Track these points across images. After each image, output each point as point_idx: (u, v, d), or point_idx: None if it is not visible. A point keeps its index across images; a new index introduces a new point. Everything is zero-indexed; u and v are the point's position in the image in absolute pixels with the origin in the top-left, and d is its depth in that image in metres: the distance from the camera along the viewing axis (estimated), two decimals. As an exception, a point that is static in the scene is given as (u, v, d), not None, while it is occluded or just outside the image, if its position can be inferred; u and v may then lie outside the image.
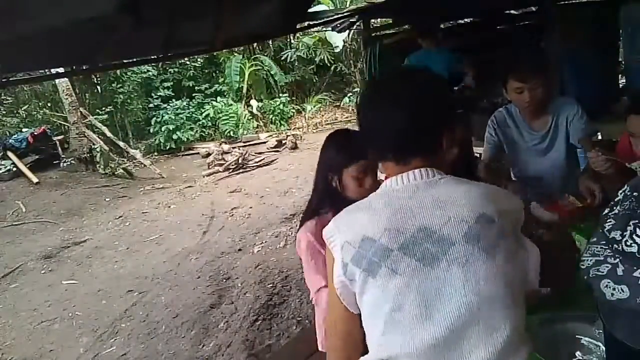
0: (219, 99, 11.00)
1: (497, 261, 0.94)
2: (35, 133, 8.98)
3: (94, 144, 8.93)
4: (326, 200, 1.70)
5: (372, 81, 1.05)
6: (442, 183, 1.00)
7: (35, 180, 8.00)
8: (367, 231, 0.97)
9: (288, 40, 11.43)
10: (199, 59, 11.27)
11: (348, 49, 11.05)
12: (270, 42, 11.20)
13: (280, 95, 11.36)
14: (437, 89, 1.05)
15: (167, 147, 10.29)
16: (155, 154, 10.27)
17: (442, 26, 5.39)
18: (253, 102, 10.98)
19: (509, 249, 0.96)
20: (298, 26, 4.63)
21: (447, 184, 1.00)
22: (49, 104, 10.35)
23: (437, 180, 1.00)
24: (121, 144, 9.37)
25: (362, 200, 1.05)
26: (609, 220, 0.88)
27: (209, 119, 10.62)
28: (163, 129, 10.25)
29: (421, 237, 0.94)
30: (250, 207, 6.09)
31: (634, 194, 0.87)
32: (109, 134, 9.31)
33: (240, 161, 8.21)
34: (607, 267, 0.82)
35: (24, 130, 9.40)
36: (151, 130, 10.58)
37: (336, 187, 1.66)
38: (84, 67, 3.51)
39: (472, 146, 2.40)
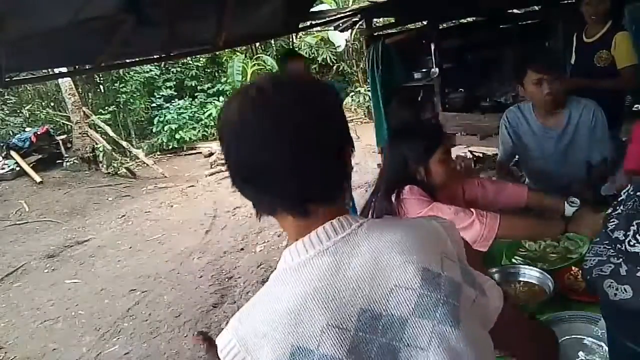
0: (221, 98, 11.01)
1: (464, 328, 0.68)
2: (39, 132, 9.02)
3: (96, 144, 8.96)
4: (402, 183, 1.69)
5: (234, 96, 0.73)
6: (363, 233, 0.72)
7: (38, 179, 8.03)
8: (296, 339, 0.66)
9: (290, 39, 11.41)
10: (201, 59, 11.27)
11: (350, 49, 11.05)
12: (272, 41, 11.19)
13: (283, 94, 11.37)
14: (328, 99, 0.75)
15: (170, 147, 10.32)
16: (158, 153, 10.29)
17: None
18: (255, 102, 10.98)
19: (467, 303, 0.71)
20: (300, 25, 4.63)
21: (370, 234, 0.72)
22: (52, 104, 10.39)
23: (356, 230, 0.72)
24: (124, 143, 9.39)
25: (264, 292, 0.73)
26: (612, 220, 0.87)
27: (212, 118, 10.62)
28: (166, 128, 10.28)
29: (368, 327, 0.67)
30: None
31: (638, 193, 0.87)
32: (111, 133, 9.33)
33: (242, 161, 8.22)
34: (610, 267, 0.82)
35: (27, 129, 9.44)
36: (154, 130, 10.61)
37: (421, 179, 1.67)
38: (87, 67, 3.52)
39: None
